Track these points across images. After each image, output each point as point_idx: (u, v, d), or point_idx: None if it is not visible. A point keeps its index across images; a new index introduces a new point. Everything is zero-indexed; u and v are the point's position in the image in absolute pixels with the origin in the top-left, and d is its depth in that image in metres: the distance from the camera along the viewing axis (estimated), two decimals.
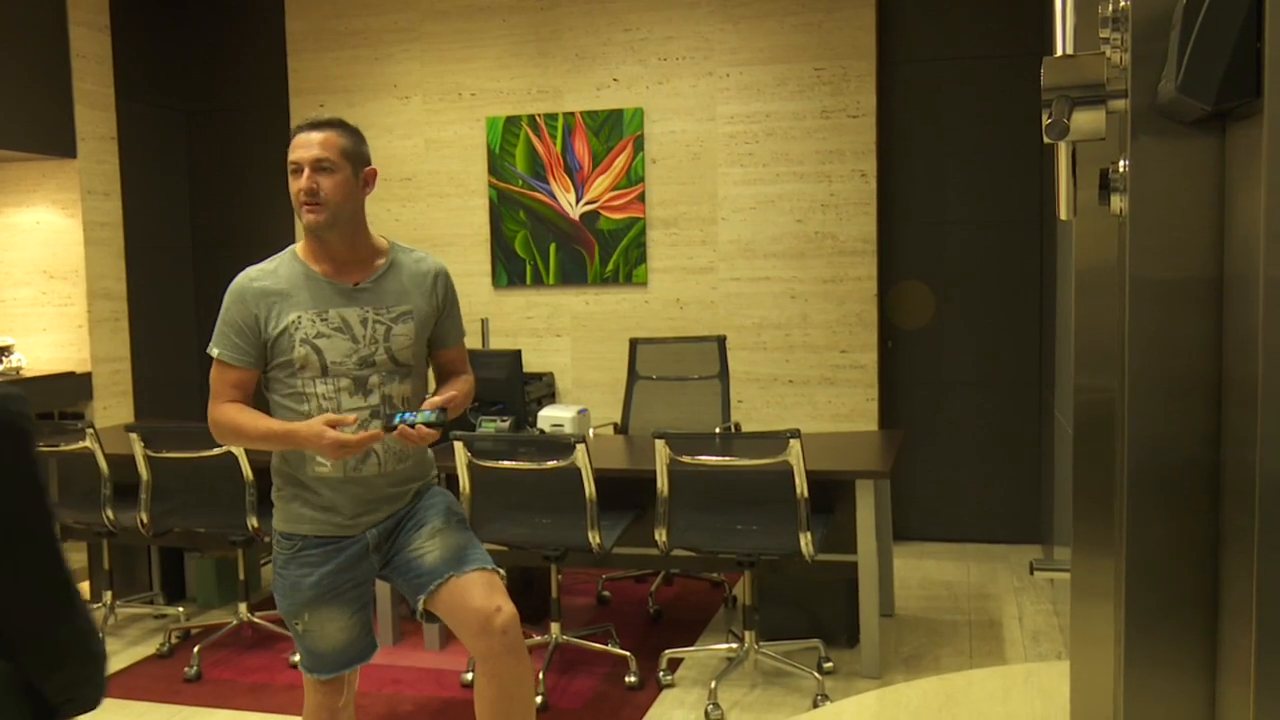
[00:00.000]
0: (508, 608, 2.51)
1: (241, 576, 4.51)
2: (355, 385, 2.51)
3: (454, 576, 2.51)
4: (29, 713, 1.34)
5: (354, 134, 2.55)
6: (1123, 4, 1.14)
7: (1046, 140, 1.27)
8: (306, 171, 2.46)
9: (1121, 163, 1.16)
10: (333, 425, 2.39)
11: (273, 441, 2.48)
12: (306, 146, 2.47)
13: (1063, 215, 1.36)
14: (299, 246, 2.59)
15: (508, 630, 2.49)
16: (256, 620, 4.47)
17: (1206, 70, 0.96)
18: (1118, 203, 1.19)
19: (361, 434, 2.41)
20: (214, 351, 2.53)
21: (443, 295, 2.67)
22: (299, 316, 2.50)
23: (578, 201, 6.06)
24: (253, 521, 4.16)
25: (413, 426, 2.42)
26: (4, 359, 5.99)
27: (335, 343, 2.50)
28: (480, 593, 2.50)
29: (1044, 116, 1.24)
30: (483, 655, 2.52)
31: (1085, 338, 1.65)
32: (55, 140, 5.95)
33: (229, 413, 2.50)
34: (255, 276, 2.54)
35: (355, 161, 2.53)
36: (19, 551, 1.36)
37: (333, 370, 2.50)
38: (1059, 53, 1.30)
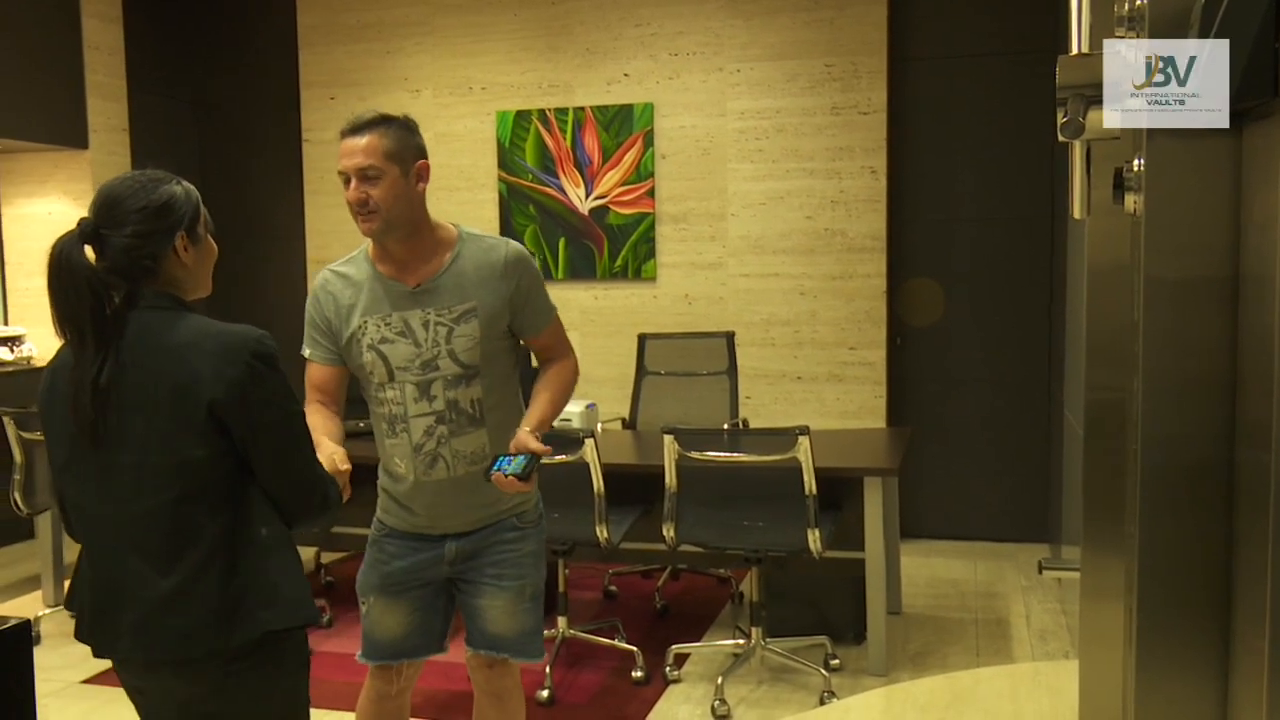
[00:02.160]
0: (510, 695, 2.66)
1: None
2: (419, 391, 2.47)
3: (493, 655, 2.60)
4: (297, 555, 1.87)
5: (400, 129, 2.42)
6: (1139, 3, 1.13)
7: (1061, 139, 1.27)
8: (354, 182, 2.39)
9: (1136, 161, 1.16)
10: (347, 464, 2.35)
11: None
12: (350, 155, 2.38)
13: (1076, 214, 1.36)
14: (370, 244, 2.53)
15: (502, 697, 2.66)
16: None
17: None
18: (1132, 201, 1.19)
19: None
20: (304, 351, 2.55)
21: (517, 282, 2.53)
22: (365, 322, 2.47)
23: (587, 196, 6.06)
24: None
25: (507, 476, 2.33)
26: (15, 348, 6.01)
27: (399, 347, 2.46)
28: (497, 677, 2.63)
29: (1059, 115, 1.24)
30: (476, 689, 2.71)
31: (1097, 337, 1.65)
32: (67, 131, 5.97)
33: (308, 415, 2.46)
34: (329, 277, 2.53)
35: (403, 160, 2.41)
36: (295, 444, 1.83)
37: (398, 376, 2.47)
38: (1074, 51, 1.29)
